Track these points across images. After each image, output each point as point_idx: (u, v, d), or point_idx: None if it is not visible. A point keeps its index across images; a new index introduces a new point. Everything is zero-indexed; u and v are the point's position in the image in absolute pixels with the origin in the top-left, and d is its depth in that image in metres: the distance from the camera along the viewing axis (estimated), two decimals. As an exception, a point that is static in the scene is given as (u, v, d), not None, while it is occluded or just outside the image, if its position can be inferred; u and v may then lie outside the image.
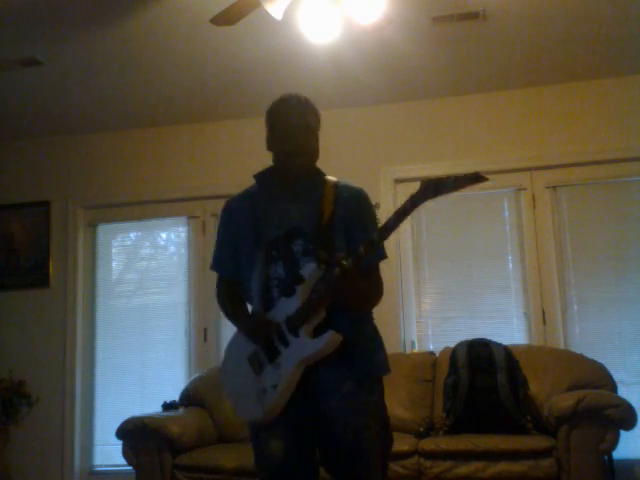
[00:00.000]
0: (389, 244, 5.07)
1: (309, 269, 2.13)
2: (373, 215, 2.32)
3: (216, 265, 2.42)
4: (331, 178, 2.33)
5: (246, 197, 2.38)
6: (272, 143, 2.34)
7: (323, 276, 2.09)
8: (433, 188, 1.93)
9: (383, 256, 2.27)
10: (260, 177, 2.38)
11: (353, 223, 2.22)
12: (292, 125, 2.26)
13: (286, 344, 2.11)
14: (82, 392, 5.24)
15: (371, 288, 2.23)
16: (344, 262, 2.02)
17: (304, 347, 2.08)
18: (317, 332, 2.10)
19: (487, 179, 1.89)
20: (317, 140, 2.31)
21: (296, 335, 2.10)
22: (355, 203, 2.27)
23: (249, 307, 2.40)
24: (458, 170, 5.24)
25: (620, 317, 4.61)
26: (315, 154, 2.30)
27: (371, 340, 2.24)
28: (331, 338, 2.06)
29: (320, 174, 2.33)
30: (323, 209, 2.20)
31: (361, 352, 2.16)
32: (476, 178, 1.89)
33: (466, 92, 4.94)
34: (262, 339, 2.17)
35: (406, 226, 4.97)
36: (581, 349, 4.34)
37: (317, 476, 2.18)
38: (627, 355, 4.53)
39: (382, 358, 2.24)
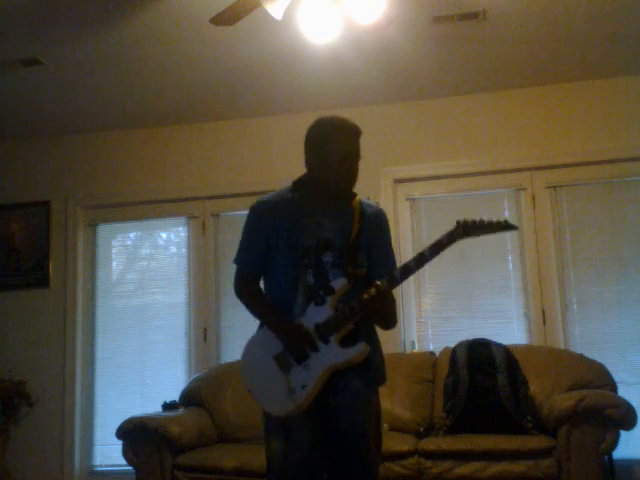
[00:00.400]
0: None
1: (339, 283, 2.36)
2: (389, 237, 2.56)
3: (243, 261, 2.54)
4: (357, 195, 2.52)
5: (280, 201, 2.50)
6: (319, 162, 2.48)
7: (355, 292, 2.31)
8: (462, 229, 2.33)
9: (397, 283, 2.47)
10: (298, 185, 2.53)
11: (374, 241, 2.47)
12: (346, 152, 2.42)
13: (315, 349, 2.31)
14: (82, 392, 5.24)
15: (394, 308, 2.48)
16: (380, 284, 2.28)
17: (335, 354, 2.30)
18: (342, 341, 2.32)
19: (517, 228, 2.32)
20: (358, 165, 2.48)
21: (326, 342, 2.31)
22: (377, 223, 2.51)
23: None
24: (458, 170, 5.27)
25: (620, 317, 4.61)
26: (356, 179, 2.48)
27: (379, 352, 2.47)
28: (362, 349, 2.30)
29: (352, 193, 2.51)
30: (352, 225, 2.42)
31: (372, 361, 2.38)
32: (506, 227, 2.29)
33: (466, 92, 4.94)
34: (297, 347, 2.34)
35: (406, 226, 4.97)
36: (581, 349, 4.34)
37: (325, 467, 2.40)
38: (627, 355, 4.53)
39: (384, 368, 2.49)
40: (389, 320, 2.47)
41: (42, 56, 4.18)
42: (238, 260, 2.55)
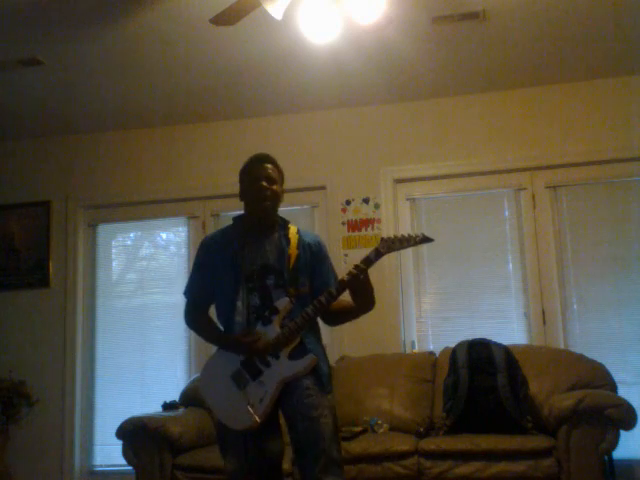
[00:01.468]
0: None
1: (282, 302, 2.62)
2: (328, 257, 2.85)
3: (192, 294, 2.83)
4: (292, 226, 2.82)
5: (222, 235, 2.83)
6: (243, 194, 2.81)
7: (299, 309, 2.59)
8: (387, 246, 2.54)
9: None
10: (237, 220, 2.84)
11: (314, 265, 2.76)
12: (255, 176, 2.74)
13: (267, 365, 2.56)
14: (82, 392, 5.24)
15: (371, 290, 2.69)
16: (316, 304, 2.56)
17: (286, 368, 2.55)
18: (295, 353, 2.58)
19: (432, 240, 2.55)
20: (277, 188, 2.77)
21: (276, 357, 2.56)
22: (315, 249, 2.78)
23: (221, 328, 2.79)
24: (458, 170, 5.26)
25: (620, 317, 4.61)
26: (276, 198, 2.76)
27: (325, 362, 2.70)
28: (310, 361, 2.56)
29: (285, 221, 2.82)
30: (290, 252, 2.70)
31: (319, 367, 2.62)
32: (423, 240, 2.54)
33: (466, 92, 4.94)
34: (254, 352, 2.57)
35: (406, 226, 4.97)
36: (581, 349, 4.34)
37: (281, 468, 2.74)
38: (627, 355, 4.53)
39: (330, 379, 2.70)
40: (369, 301, 2.68)
41: (42, 56, 4.18)
42: (187, 293, 2.83)
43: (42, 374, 5.21)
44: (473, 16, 3.87)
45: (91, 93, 4.78)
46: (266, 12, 3.05)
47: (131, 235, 5.60)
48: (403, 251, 4.88)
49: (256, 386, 2.55)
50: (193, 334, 5.04)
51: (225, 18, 3.27)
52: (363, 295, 2.63)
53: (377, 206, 4.97)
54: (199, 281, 2.81)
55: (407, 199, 5.02)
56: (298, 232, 2.80)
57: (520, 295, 4.77)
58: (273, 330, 2.58)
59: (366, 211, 4.98)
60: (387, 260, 4.83)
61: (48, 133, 5.50)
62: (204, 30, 3.73)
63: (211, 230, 5.24)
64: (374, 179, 5.01)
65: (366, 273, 2.55)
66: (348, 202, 5.01)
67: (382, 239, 2.57)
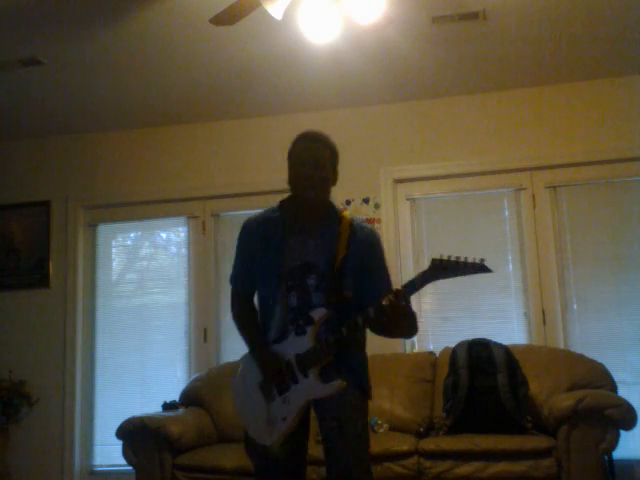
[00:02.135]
0: (389, 245, 5.08)
1: (318, 312, 2.33)
2: (382, 259, 2.45)
3: (234, 280, 2.59)
4: (347, 215, 2.49)
5: (264, 221, 2.51)
6: (289, 179, 2.47)
7: (340, 318, 2.30)
8: (442, 270, 2.17)
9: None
10: (284, 205, 2.52)
11: (363, 267, 2.38)
12: (301, 158, 2.43)
13: (295, 381, 2.34)
14: (82, 392, 5.24)
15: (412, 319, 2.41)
16: (356, 322, 2.26)
17: (312, 389, 2.32)
18: (328, 369, 2.33)
19: (491, 271, 2.18)
20: (327, 172, 2.44)
21: (305, 375, 2.32)
22: (367, 247, 2.43)
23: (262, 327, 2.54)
24: (458, 170, 5.26)
25: (620, 317, 4.60)
26: (322, 185, 2.43)
27: (365, 365, 2.51)
28: (338, 386, 2.29)
29: (335, 210, 2.50)
30: (337, 250, 2.37)
31: (358, 371, 2.44)
32: (481, 268, 2.18)
33: (466, 92, 4.94)
34: (270, 376, 2.38)
35: (406, 226, 4.97)
36: (581, 349, 4.34)
37: (305, 468, 2.50)
38: (627, 355, 4.53)
39: (368, 381, 2.50)
40: (412, 330, 2.44)
41: (42, 56, 4.18)
42: (230, 279, 2.61)
43: (42, 374, 5.21)
44: (473, 16, 3.87)
45: (91, 93, 4.78)
46: (266, 12, 3.05)
47: (131, 235, 5.60)
48: (403, 251, 4.94)
49: (281, 403, 2.35)
50: (193, 334, 5.14)
51: (225, 18, 3.26)
52: (400, 323, 2.28)
53: (377, 206, 4.97)
54: (241, 268, 2.55)
55: (407, 199, 5.02)
56: (351, 225, 2.45)
57: (520, 295, 4.77)
58: (306, 343, 2.33)
59: (366, 211, 4.98)
60: (387, 260, 4.84)
61: (48, 133, 5.50)
62: (204, 30, 3.73)
63: (211, 230, 5.25)
64: (374, 179, 5.01)
65: (408, 300, 2.23)
66: (348, 202, 5.01)
67: (433, 260, 2.19)
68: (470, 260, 2.15)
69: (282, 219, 2.48)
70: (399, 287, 2.23)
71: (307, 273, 2.38)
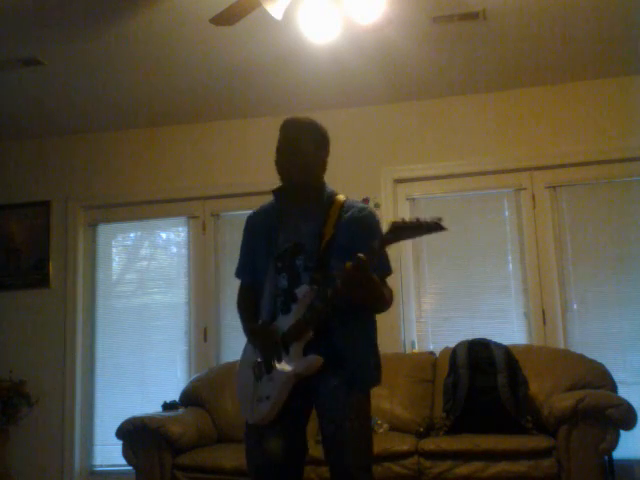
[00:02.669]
0: (389, 245, 5.05)
1: (302, 290, 2.34)
2: (373, 239, 2.25)
3: (237, 272, 2.67)
4: (340, 197, 2.51)
5: (263, 211, 2.62)
6: (275, 162, 2.53)
7: (313, 300, 2.30)
8: (401, 231, 2.14)
9: (388, 272, 2.44)
10: (276, 193, 2.57)
11: (354, 247, 2.23)
12: (282, 143, 2.51)
13: (279, 359, 2.35)
14: (82, 392, 5.24)
15: (372, 300, 2.33)
16: (326, 293, 2.25)
17: (293, 365, 2.32)
18: (312, 348, 2.33)
19: (446, 229, 2.14)
20: (308, 156, 2.50)
21: (287, 352, 2.34)
22: (357, 227, 2.42)
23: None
24: (458, 170, 5.25)
25: (620, 317, 4.60)
26: (302, 169, 2.47)
27: (364, 354, 2.42)
28: (311, 361, 2.30)
29: (326, 192, 2.53)
30: (324, 231, 2.40)
31: (353, 364, 2.37)
32: (436, 227, 2.12)
33: (466, 92, 4.94)
34: (262, 348, 2.40)
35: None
36: (581, 349, 4.33)
37: (302, 468, 2.48)
38: (627, 355, 4.53)
39: (372, 371, 2.45)
40: (376, 300, 2.33)
41: (42, 56, 4.18)
42: (236, 272, 2.67)
43: (42, 374, 5.21)
44: (473, 16, 3.87)
45: (91, 93, 4.78)
46: (266, 12, 3.05)
47: (131, 235, 5.60)
48: (403, 251, 4.94)
49: (267, 381, 2.37)
50: (193, 334, 5.14)
51: (225, 18, 3.27)
52: (364, 291, 2.21)
53: (377, 206, 4.96)
54: (242, 259, 2.62)
55: (407, 199, 5.02)
56: (342, 206, 2.47)
57: (520, 295, 4.77)
58: (290, 321, 2.34)
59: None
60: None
61: (48, 133, 5.50)
62: (204, 30, 3.73)
63: (211, 230, 5.25)
64: (374, 179, 5.00)
65: (365, 269, 2.15)
66: (348, 202, 5.01)
67: (393, 223, 2.16)
68: (427, 220, 2.13)
69: (277, 206, 2.55)
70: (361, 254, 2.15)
71: (296, 254, 2.41)
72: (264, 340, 2.39)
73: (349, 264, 2.15)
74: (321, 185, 2.55)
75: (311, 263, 2.38)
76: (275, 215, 2.53)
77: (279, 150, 2.51)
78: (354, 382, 2.36)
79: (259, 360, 2.41)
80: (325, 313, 2.29)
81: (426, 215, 2.16)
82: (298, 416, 2.42)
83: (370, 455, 2.41)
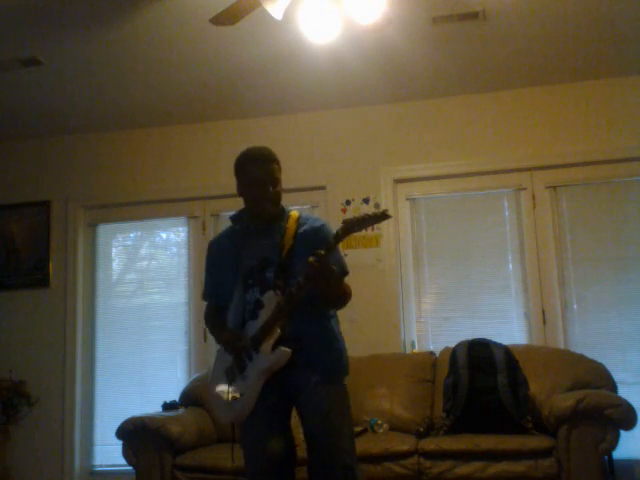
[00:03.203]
0: (389, 244, 5.07)
1: (267, 295, 2.57)
2: (330, 247, 2.48)
3: (205, 296, 2.90)
4: (295, 212, 2.76)
5: (224, 236, 2.83)
6: (242, 191, 2.77)
7: (278, 301, 2.53)
8: (349, 227, 2.39)
9: (345, 272, 2.68)
10: (235, 218, 2.82)
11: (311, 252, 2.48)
12: (259, 176, 2.68)
13: (250, 359, 2.57)
14: (82, 392, 5.24)
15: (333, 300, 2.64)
16: (292, 290, 2.48)
17: (262, 361, 2.55)
18: (279, 344, 2.54)
19: (391, 216, 2.41)
20: (280, 185, 2.74)
21: (257, 351, 2.56)
22: (313, 235, 2.66)
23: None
24: (458, 170, 5.25)
25: (620, 317, 4.60)
26: (279, 199, 2.72)
27: (330, 347, 2.65)
28: (280, 354, 2.52)
29: (284, 211, 2.75)
30: (284, 242, 2.65)
31: (322, 356, 2.60)
32: (383, 216, 2.37)
33: (466, 92, 4.94)
34: (234, 351, 2.62)
35: (406, 226, 4.97)
36: (581, 349, 4.34)
37: (294, 454, 2.68)
38: (627, 355, 4.53)
39: (340, 362, 2.67)
40: (337, 290, 2.58)
41: (42, 56, 4.18)
42: (203, 296, 2.90)
43: (42, 374, 5.21)
44: (473, 16, 3.87)
45: (91, 93, 4.78)
46: (266, 12, 3.05)
47: (131, 235, 5.60)
48: (403, 251, 4.94)
49: (240, 381, 2.59)
50: (193, 334, 5.14)
51: (225, 18, 3.26)
52: (326, 286, 2.47)
53: (377, 206, 4.96)
54: (208, 283, 2.85)
55: (407, 199, 5.02)
56: (298, 219, 2.72)
57: (520, 295, 4.77)
58: (258, 324, 2.57)
59: (366, 211, 4.97)
60: (387, 260, 4.84)
61: (48, 133, 5.50)
62: (204, 30, 3.73)
63: (211, 230, 5.25)
64: (374, 179, 5.01)
65: (325, 261, 2.39)
66: (348, 202, 5.01)
67: (344, 221, 2.42)
68: (374, 212, 2.40)
69: (238, 230, 2.77)
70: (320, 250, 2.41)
71: (265, 267, 2.63)
72: (235, 343, 2.60)
73: (311, 258, 2.38)
74: (281, 207, 2.77)
75: (280, 273, 2.60)
76: (239, 237, 2.74)
77: (258, 184, 2.66)
78: (332, 374, 2.61)
79: (230, 365, 2.62)
80: (289, 310, 2.50)
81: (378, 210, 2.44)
82: (279, 414, 2.62)
83: (351, 447, 2.59)
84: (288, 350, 2.52)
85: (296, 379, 2.57)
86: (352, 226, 2.38)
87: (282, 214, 2.74)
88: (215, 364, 2.76)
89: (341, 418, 2.57)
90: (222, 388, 2.63)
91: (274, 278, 2.59)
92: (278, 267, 2.60)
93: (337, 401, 2.58)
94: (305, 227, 2.69)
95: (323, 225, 2.73)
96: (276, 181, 2.69)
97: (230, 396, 2.57)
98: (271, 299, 2.55)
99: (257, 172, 2.68)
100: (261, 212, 2.70)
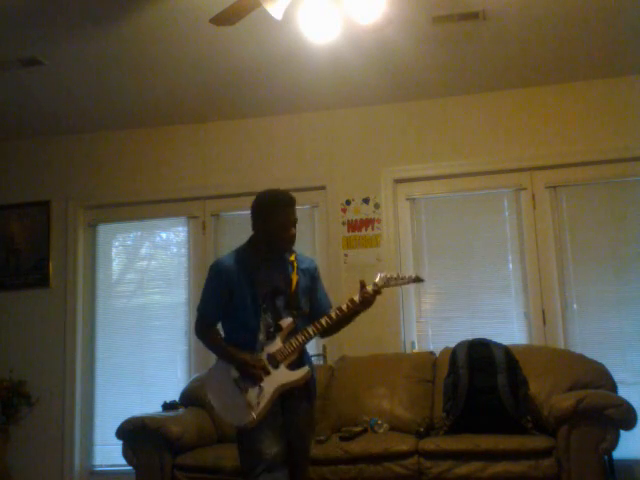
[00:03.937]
0: (389, 244, 5.06)
1: (286, 321, 2.99)
2: (321, 282, 3.22)
3: (206, 312, 3.10)
4: (294, 252, 3.13)
5: (236, 259, 3.06)
6: (263, 229, 3.03)
7: (300, 327, 2.99)
8: (383, 284, 2.98)
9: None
10: (249, 246, 3.10)
11: (310, 287, 3.12)
12: (284, 223, 3.00)
13: (268, 373, 2.93)
14: (82, 392, 5.24)
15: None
16: (318, 325, 2.97)
17: (284, 376, 2.94)
18: (290, 366, 2.98)
19: (424, 280, 3.15)
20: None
21: (276, 367, 2.93)
22: (310, 273, 3.14)
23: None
24: (458, 170, 5.25)
25: (620, 317, 4.60)
26: (295, 239, 3.08)
27: (314, 373, 3.12)
28: (306, 372, 2.98)
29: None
30: (292, 277, 3.05)
31: (311, 383, 3.07)
32: (415, 280, 3.05)
33: (466, 92, 4.94)
34: (253, 373, 2.92)
35: (406, 226, 4.98)
36: (581, 349, 4.34)
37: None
38: (627, 355, 4.53)
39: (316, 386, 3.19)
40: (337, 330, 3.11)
41: (42, 56, 4.18)
42: (201, 310, 3.11)
43: (42, 374, 5.21)
44: (473, 16, 3.87)
45: (91, 93, 4.78)
46: (266, 12, 3.05)
47: (131, 235, 5.60)
48: (403, 251, 4.94)
49: (256, 390, 2.90)
50: (193, 334, 5.11)
51: (225, 18, 3.26)
52: (344, 325, 3.06)
53: (377, 206, 4.97)
54: (215, 301, 3.06)
55: (407, 199, 5.02)
56: (296, 258, 3.11)
57: (520, 295, 4.77)
58: (276, 344, 2.96)
59: (366, 211, 4.98)
60: (387, 260, 4.84)
61: (48, 133, 5.50)
62: (204, 30, 3.72)
63: (211, 230, 5.26)
64: (374, 179, 5.01)
65: (378, 293, 2.96)
66: (348, 202, 5.01)
67: (380, 276, 2.96)
68: (408, 275, 3.08)
69: (251, 255, 3.06)
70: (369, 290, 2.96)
71: (276, 296, 3.01)
72: (255, 364, 2.92)
73: (370, 287, 2.94)
74: None
75: (288, 303, 3.02)
76: (250, 266, 3.02)
77: (283, 227, 2.99)
78: (314, 400, 3.12)
79: (238, 377, 2.94)
80: (329, 329, 3.02)
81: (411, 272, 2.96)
82: (279, 419, 2.95)
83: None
84: (310, 371, 3.00)
85: (291, 402, 2.99)
86: (388, 282, 2.98)
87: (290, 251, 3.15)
88: (214, 374, 3.08)
89: (313, 429, 3.19)
90: (236, 395, 2.93)
91: (284, 307, 3.01)
92: (289, 297, 3.01)
93: (314, 418, 3.17)
94: (305, 265, 3.13)
95: (314, 265, 3.21)
96: (296, 222, 3.04)
97: (248, 403, 2.88)
98: (289, 324, 2.97)
99: (285, 217, 3.00)
100: (280, 250, 3.06)
